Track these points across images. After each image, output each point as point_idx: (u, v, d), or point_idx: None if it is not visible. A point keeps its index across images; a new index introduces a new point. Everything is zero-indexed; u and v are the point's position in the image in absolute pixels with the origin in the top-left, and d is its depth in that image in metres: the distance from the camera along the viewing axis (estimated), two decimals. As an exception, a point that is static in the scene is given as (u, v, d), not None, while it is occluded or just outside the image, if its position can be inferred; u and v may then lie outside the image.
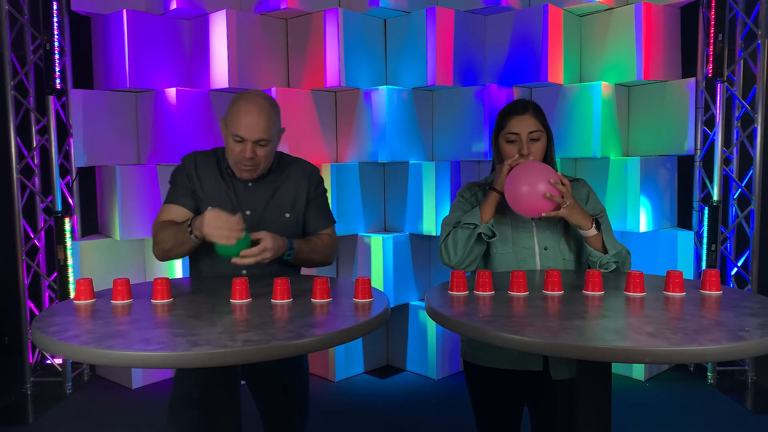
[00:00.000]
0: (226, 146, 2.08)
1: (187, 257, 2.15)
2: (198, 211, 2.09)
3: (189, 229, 1.98)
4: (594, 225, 1.98)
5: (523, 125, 2.04)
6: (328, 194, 3.79)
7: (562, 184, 1.94)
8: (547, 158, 2.11)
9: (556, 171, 1.99)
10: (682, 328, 1.43)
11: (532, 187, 1.91)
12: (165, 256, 2.08)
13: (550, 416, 2.08)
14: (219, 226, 1.90)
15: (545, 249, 2.07)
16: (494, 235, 2.01)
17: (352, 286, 1.84)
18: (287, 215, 2.13)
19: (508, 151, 2.06)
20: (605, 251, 2.02)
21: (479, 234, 2.00)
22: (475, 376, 2.11)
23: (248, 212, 2.09)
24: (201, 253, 2.10)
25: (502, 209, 2.05)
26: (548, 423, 2.09)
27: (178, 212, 2.09)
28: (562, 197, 1.92)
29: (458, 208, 2.13)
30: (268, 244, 1.94)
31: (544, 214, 1.94)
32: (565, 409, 2.01)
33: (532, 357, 1.99)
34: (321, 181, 2.25)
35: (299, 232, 2.18)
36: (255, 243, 1.95)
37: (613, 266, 2.03)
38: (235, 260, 1.93)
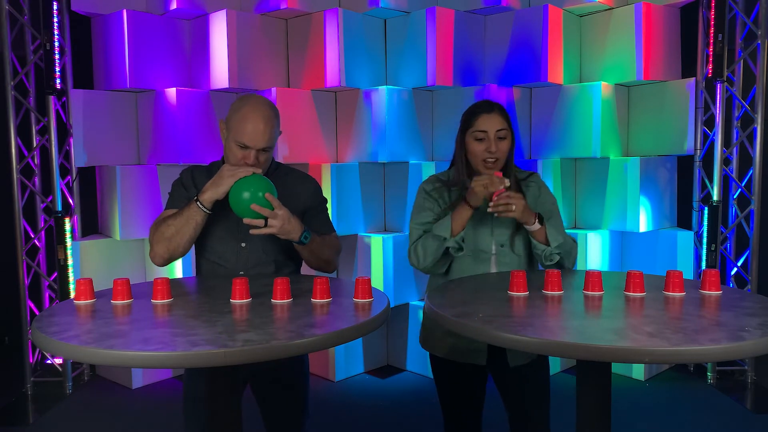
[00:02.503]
0: (226, 149, 2.07)
1: (186, 259, 2.14)
2: None
3: (197, 201, 1.96)
4: (537, 220, 2.04)
5: (491, 123, 2.08)
6: (328, 195, 3.83)
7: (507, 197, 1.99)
8: (509, 157, 2.15)
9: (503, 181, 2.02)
10: (682, 328, 1.43)
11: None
12: (165, 247, 2.00)
13: (519, 402, 2.16)
14: (233, 172, 1.94)
15: (501, 246, 2.12)
16: (462, 249, 2.06)
17: (352, 286, 1.83)
18: None
19: (476, 149, 2.09)
20: (549, 244, 2.06)
21: (450, 250, 2.05)
22: (433, 364, 2.21)
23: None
24: (202, 259, 2.11)
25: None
26: (520, 409, 2.16)
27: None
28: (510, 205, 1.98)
29: (425, 207, 2.15)
30: (282, 213, 1.93)
31: (496, 215, 2.02)
32: (530, 392, 2.12)
33: (476, 352, 2.07)
34: (321, 193, 2.25)
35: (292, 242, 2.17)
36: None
37: (557, 258, 2.06)
38: (246, 220, 1.94)
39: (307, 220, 2.14)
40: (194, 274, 2.22)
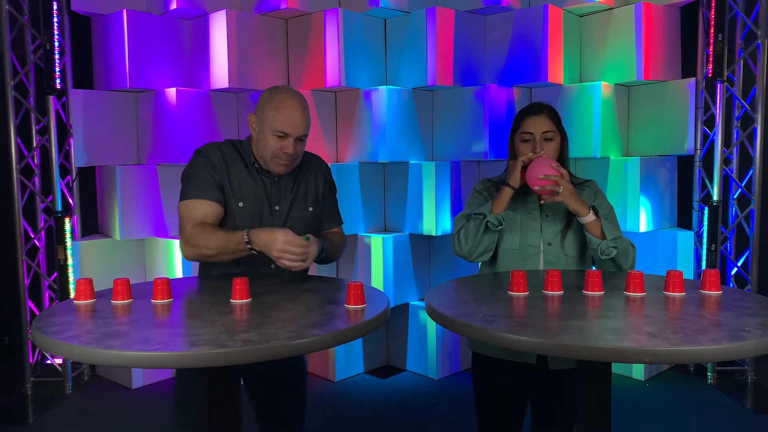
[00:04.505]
0: (260, 141, 2.03)
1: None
2: (225, 208, 2.04)
3: (247, 243, 1.91)
4: (591, 212, 2.04)
5: (537, 125, 2.12)
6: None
7: (559, 171, 2.03)
8: (561, 159, 2.17)
9: (560, 167, 2.06)
10: (682, 328, 1.43)
11: (539, 173, 2.03)
12: (203, 259, 2.00)
13: (549, 409, 2.14)
14: (292, 251, 1.87)
15: (549, 245, 2.13)
16: (500, 224, 2.07)
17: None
18: (311, 209, 2.15)
19: (523, 150, 2.14)
20: (605, 238, 2.06)
21: (488, 225, 2.07)
22: (479, 365, 2.18)
23: (277, 207, 2.09)
24: None
25: (514, 205, 2.14)
26: (548, 416, 2.13)
27: (210, 208, 2.00)
28: (557, 184, 2.01)
29: (472, 203, 2.22)
30: (312, 251, 1.95)
31: (542, 201, 2.06)
32: (564, 401, 2.08)
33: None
34: (333, 181, 2.28)
35: (319, 225, 2.20)
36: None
37: (614, 252, 2.05)
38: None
39: (321, 208, 2.19)
40: (199, 271, 2.18)
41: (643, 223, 3.89)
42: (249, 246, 1.91)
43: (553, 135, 2.13)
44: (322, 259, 2.09)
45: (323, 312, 1.63)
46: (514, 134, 2.19)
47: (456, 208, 3.92)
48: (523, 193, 2.15)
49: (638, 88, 4.05)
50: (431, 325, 3.97)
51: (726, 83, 3.81)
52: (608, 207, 2.19)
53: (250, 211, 2.04)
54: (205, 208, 2.00)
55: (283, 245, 1.86)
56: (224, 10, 3.73)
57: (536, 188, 2.03)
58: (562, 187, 2.01)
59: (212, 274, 2.11)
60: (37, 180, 3.99)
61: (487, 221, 2.07)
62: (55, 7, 3.65)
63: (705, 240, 3.85)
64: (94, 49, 4.03)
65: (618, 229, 2.11)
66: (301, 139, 2.02)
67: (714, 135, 3.88)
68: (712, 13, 3.70)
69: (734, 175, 4.00)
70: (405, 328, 4.15)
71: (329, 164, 3.79)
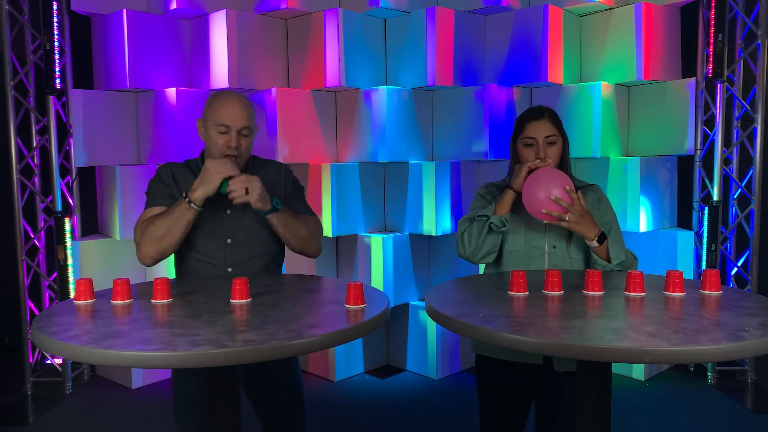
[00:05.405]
0: (208, 143, 2.11)
1: (171, 262, 2.16)
2: None
3: (185, 198, 1.98)
4: (597, 238, 2.01)
5: (540, 130, 2.12)
6: (328, 195, 3.82)
7: (570, 197, 1.97)
8: (563, 161, 2.17)
9: (569, 180, 2.02)
10: (682, 328, 1.43)
11: (545, 194, 1.97)
12: (155, 248, 2.01)
13: (553, 410, 2.14)
14: (219, 169, 1.97)
15: (554, 248, 2.13)
16: (503, 225, 2.07)
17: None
18: None
19: (526, 155, 2.13)
20: (610, 260, 2.05)
21: (492, 226, 2.07)
22: (483, 367, 2.18)
23: (228, 211, 2.11)
24: (187, 256, 2.12)
25: (518, 208, 2.12)
26: (552, 417, 2.13)
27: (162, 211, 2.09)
28: (567, 211, 1.97)
29: (475, 206, 2.22)
30: (251, 179, 1.99)
31: (545, 222, 2.02)
32: (567, 402, 2.08)
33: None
34: (296, 179, 2.29)
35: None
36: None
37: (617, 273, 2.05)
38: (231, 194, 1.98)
39: (286, 204, 2.18)
40: (176, 273, 2.22)
41: (643, 223, 3.89)
42: (188, 200, 1.98)
43: (556, 139, 2.13)
44: (279, 206, 2.06)
45: (323, 312, 1.63)
46: (515, 139, 2.18)
47: (456, 208, 3.92)
48: None
49: (638, 88, 4.05)
50: (431, 325, 3.97)
51: (726, 83, 3.81)
52: (612, 215, 2.18)
53: (202, 216, 2.06)
54: (156, 213, 2.09)
55: (213, 166, 1.97)
56: (224, 10, 3.73)
57: (543, 211, 1.97)
58: (569, 216, 1.97)
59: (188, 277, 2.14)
60: (37, 180, 3.99)
61: (491, 223, 2.07)
62: (55, 7, 3.65)
63: (705, 240, 3.85)
64: (94, 49, 4.03)
65: (621, 245, 2.10)
66: (244, 134, 2.08)
67: (714, 135, 3.88)
68: (712, 13, 3.70)
69: (734, 175, 4.00)
70: (405, 328, 4.15)
71: (329, 164, 3.84)
